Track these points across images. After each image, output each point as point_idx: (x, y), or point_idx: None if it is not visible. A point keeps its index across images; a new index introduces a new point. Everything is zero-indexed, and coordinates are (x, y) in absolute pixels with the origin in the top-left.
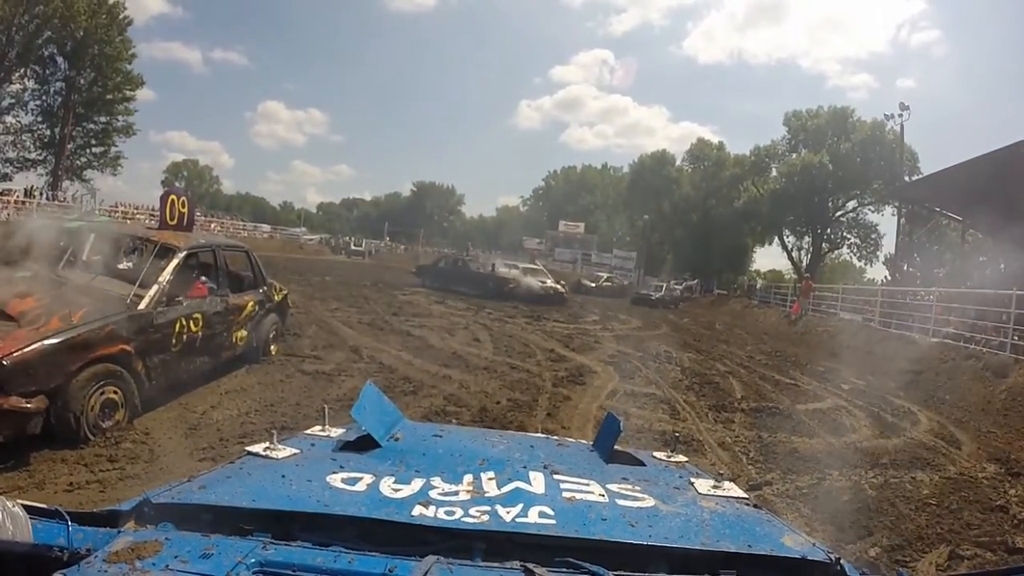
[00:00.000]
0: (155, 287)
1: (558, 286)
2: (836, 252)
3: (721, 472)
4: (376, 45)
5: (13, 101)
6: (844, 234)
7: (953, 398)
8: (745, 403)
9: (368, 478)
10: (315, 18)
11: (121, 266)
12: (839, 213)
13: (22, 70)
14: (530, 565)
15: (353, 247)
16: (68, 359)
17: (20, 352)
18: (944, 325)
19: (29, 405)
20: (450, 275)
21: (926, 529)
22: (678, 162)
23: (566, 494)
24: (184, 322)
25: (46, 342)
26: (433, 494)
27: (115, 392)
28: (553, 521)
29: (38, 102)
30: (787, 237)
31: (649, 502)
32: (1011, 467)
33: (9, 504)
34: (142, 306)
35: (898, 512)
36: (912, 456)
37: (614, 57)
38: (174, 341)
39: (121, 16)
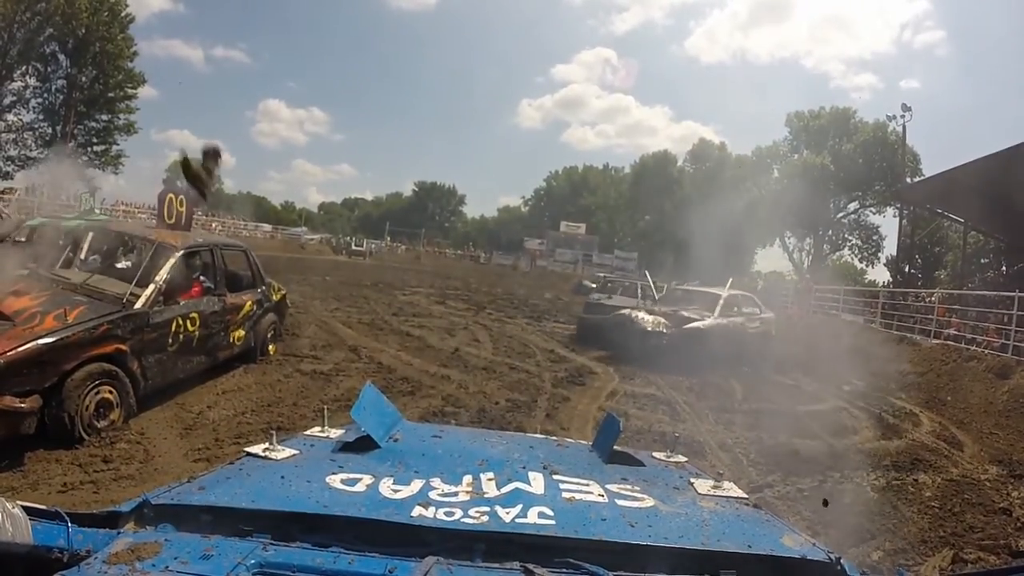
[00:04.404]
0: (152, 286)
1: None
2: (837, 253)
3: (720, 472)
4: (377, 44)
5: (14, 99)
6: (845, 235)
7: (955, 399)
8: (746, 404)
9: (367, 479)
10: (316, 16)
11: (119, 265)
12: (840, 214)
13: (23, 67)
14: (530, 565)
15: (354, 247)
16: (63, 358)
17: (14, 351)
18: (945, 326)
19: (23, 405)
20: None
21: (929, 532)
22: (680, 162)
23: (565, 494)
24: (181, 321)
25: (40, 341)
26: (432, 495)
27: (110, 392)
28: (553, 521)
29: (39, 100)
30: (788, 238)
31: (649, 502)
32: (1014, 469)
33: (8, 505)
34: (138, 305)
35: (900, 515)
36: (914, 458)
37: (616, 56)
38: (170, 340)
39: (123, 13)
